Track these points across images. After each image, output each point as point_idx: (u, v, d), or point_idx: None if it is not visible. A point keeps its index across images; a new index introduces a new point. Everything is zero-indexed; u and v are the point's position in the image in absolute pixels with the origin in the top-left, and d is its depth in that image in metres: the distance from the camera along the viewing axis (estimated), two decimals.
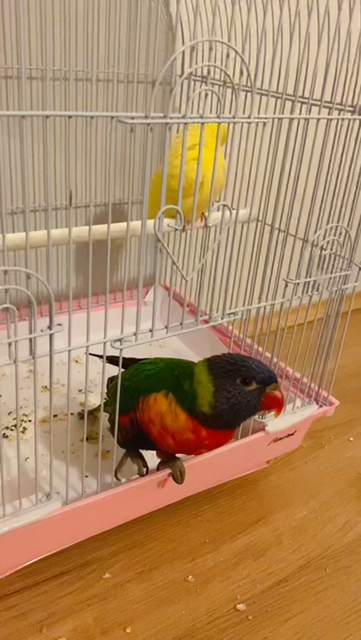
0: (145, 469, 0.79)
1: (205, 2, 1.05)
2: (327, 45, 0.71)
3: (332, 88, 0.78)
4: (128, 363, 0.84)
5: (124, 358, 0.71)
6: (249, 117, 0.65)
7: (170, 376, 0.75)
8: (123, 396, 0.72)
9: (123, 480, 0.79)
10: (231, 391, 0.68)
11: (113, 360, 0.73)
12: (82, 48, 1.03)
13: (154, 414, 0.72)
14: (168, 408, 0.71)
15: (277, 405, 0.71)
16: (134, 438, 0.77)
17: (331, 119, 0.78)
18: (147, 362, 0.82)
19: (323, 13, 0.69)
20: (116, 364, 0.72)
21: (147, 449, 0.80)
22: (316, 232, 0.81)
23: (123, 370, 0.80)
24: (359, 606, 0.85)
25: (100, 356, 0.71)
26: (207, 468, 0.89)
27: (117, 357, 0.70)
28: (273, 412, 0.72)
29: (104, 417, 0.89)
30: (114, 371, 0.79)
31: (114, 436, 0.77)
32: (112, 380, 0.90)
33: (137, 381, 0.77)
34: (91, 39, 1.02)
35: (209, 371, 0.70)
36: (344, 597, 0.86)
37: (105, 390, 0.85)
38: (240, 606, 0.82)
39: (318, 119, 0.76)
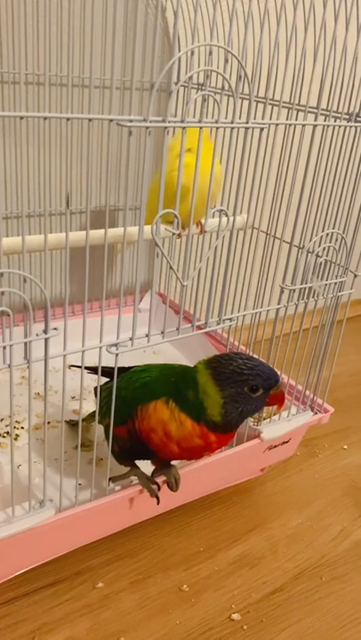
0: (157, 486, 0.79)
1: (203, 17, 1.06)
2: (323, 56, 0.72)
3: (328, 96, 0.78)
4: (118, 372, 0.80)
5: (111, 368, 0.70)
6: (247, 123, 0.65)
7: (167, 383, 0.74)
8: (118, 406, 0.72)
9: (117, 488, 0.78)
10: (239, 400, 0.69)
11: (103, 371, 0.71)
12: (78, 54, 1.03)
13: (155, 422, 0.71)
14: (171, 416, 0.70)
15: (280, 402, 0.74)
16: (131, 449, 0.76)
17: (327, 126, 0.79)
18: (139, 369, 0.80)
19: (319, 26, 0.70)
20: (106, 376, 0.71)
21: (142, 459, 0.80)
22: (311, 239, 0.82)
23: (108, 380, 0.79)
24: (355, 615, 0.84)
25: (89, 369, 0.70)
26: (202, 476, 0.88)
27: (107, 368, 0.69)
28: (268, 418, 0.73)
29: (97, 424, 0.88)
30: (102, 379, 0.77)
31: (108, 440, 0.76)
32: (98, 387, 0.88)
33: (132, 390, 0.75)
34: (87, 45, 1.02)
35: (215, 382, 0.69)
36: (340, 606, 0.85)
37: (97, 400, 0.84)
38: (235, 616, 0.81)
39: (315, 125, 0.76)
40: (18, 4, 0.95)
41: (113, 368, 0.70)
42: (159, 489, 0.78)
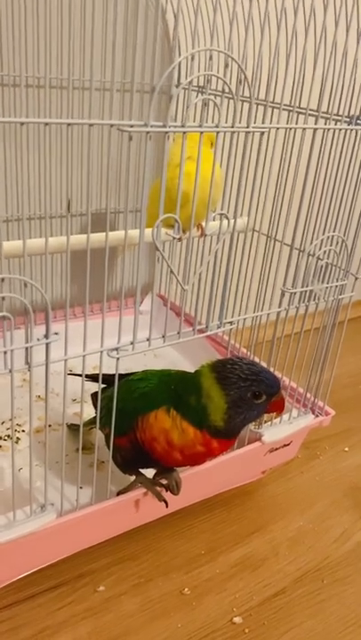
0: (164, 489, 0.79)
1: (203, 20, 1.05)
2: (324, 60, 0.72)
3: (328, 100, 0.78)
4: (112, 379, 0.73)
5: (108, 375, 0.70)
6: (247, 127, 0.65)
7: (166, 391, 0.73)
8: (118, 418, 0.71)
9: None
10: (243, 406, 0.69)
11: (102, 379, 0.70)
12: (78, 56, 1.03)
13: (157, 432, 0.70)
14: (172, 424, 0.70)
15: (280, 409, 0.74)
16: (134, 458, 0.76)
17: (328, 129, 0.79)
18: (137, 378, 0.79)
19: (320, 30, 0.70)
20: (105, 383, 0.71)
21: (146, 467, 0.79)
22: (312, 242, 0.82)
23: (105, 386, 0.79)
24: (358, 617, 0.84)
25: (88, 376, 0.70)
26: (203, 479, 0.88)
27: (107, 375, 0.69)
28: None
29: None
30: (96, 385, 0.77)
31: (110, 450, 0.76)
32: (96, 394, 0.87)
33: (131, 400, 0.74)
34: (87, 47, 1.02)
35: (220, 385, 0.69)
36: (342, 609, 0.85)
37: (95, 407, 0.84)
38: (237, 619, 0.81)
39: (315, 129, 0.76)
40: (18, 7, 0.95)
41: (112, 375, 0.70)
42: (167, 491, 0.78)
